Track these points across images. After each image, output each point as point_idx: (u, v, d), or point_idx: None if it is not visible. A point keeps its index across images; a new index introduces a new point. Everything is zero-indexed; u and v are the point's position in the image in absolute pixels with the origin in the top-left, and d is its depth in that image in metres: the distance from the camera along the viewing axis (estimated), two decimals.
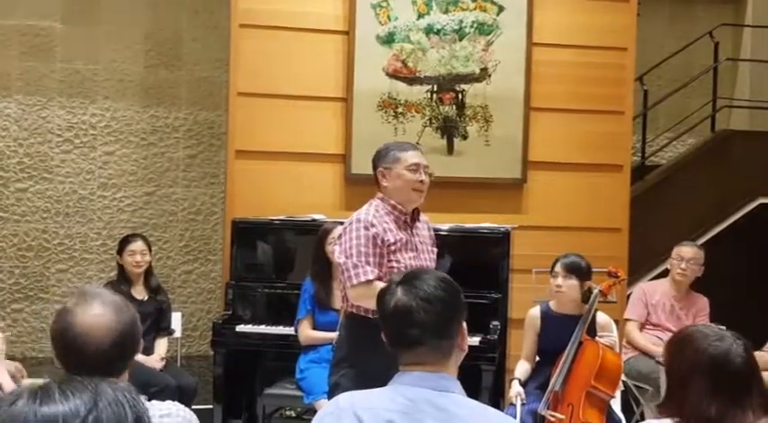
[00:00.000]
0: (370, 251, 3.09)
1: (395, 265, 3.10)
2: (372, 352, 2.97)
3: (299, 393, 4.04)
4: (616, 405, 3.86)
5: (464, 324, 1.87)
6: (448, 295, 1.85)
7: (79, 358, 1.78)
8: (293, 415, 4.44)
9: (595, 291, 3.67)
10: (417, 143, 4.74)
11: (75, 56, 5.75)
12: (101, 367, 1.73)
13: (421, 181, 3.20)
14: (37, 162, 5.72)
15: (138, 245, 4.64)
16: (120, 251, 4.71)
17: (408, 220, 3.24)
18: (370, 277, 3.05)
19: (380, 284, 2.98)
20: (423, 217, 3.38)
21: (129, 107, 5.85)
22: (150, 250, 4.79)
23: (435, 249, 3.38)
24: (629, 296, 4.86)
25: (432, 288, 1.84)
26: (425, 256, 3.26)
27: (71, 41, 5.74)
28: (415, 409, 1.71)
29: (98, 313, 1.78)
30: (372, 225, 3.12)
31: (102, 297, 1.84)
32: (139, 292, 4.56)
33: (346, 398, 1.77)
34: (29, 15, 5.67)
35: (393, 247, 3.14)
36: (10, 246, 5.68)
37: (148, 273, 4.66)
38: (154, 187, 5.91)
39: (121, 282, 4.56)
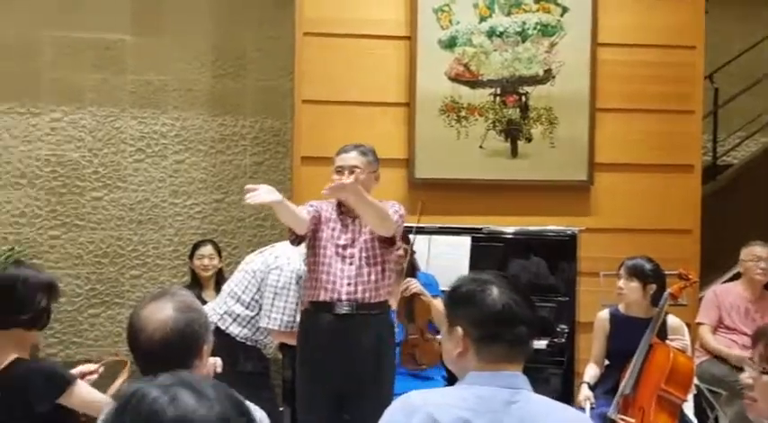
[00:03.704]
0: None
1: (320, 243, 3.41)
2: (308, 338, 3.46)
3: None
4: (689, 409, 3.79)
5: None
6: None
7: (133, 346, 1.88)
8: None
9: (665, 293, 3.62)
10: (481, 146, 4.76)
11: (145, 68, 5.91)
12: (151, 360, 1.81)
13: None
14: (111, 171, 5.89)
15: (206, 249, 4.86)
16: (191, 256, 4.91)
17: (351, 219, 3.47)
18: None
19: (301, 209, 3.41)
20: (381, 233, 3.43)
21: (197, 116, 5.99)
22: (220, 255, 4.95)
23: (379, 262, 3.46)
24: (701, 299, 4.75)
25: (521, 286, 1.90)
26: (356, 260, 3.43)
27: (141, 54, 5.90)
28: (487, 408, 1.72)
29: (158, 308, 1.86)
30: (311, 205, 3.47)
31: (175, 296, 1.90)
32: (210, 296, 4.69)
33: (417, 396, 1.78)
34: (99, 29, 5.84)
35: (322, 218, 3.44)
36: (87, 252, 5.86)
37: (220, 277, 4.80)
38: (222, 194, 6.03)
39: (193, 286, 4.74)
